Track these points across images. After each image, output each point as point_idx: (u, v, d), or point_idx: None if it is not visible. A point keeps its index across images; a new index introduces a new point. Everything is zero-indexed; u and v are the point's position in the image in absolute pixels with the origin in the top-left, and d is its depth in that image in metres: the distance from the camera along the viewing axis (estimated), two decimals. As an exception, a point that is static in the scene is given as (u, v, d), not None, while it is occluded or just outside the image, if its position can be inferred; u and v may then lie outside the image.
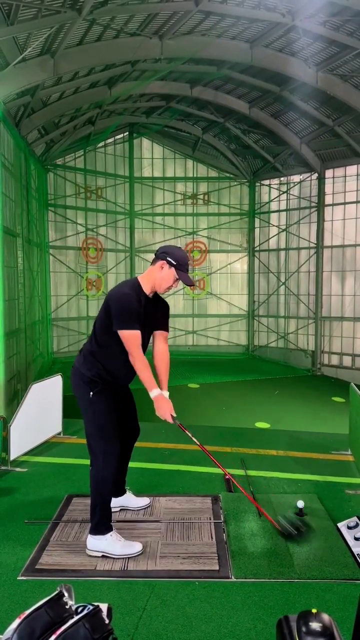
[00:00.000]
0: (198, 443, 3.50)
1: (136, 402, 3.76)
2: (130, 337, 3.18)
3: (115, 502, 3.79)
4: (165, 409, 3.27)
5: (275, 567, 3.14)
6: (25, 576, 3.03)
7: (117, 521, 3.65)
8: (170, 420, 3.28)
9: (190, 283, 3.41)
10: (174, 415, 3.30)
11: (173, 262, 3.29)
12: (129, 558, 3.20)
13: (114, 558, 3.19)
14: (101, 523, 3.26)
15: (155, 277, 3.32)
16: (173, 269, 3.30)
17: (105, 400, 3.34)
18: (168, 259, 3.30)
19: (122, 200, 18.64)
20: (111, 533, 3.27)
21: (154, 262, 3.37)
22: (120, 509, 3.84)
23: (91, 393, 3.31)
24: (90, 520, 3.30)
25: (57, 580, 2.89)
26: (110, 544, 3.22)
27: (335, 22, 10.01)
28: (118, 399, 3.48)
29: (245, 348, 19.50)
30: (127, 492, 3.91)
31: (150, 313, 3.36)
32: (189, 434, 3.44)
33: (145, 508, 3.90)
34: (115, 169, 18.46)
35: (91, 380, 3.32)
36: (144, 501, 3.93)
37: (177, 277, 3.31)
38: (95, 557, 3.21)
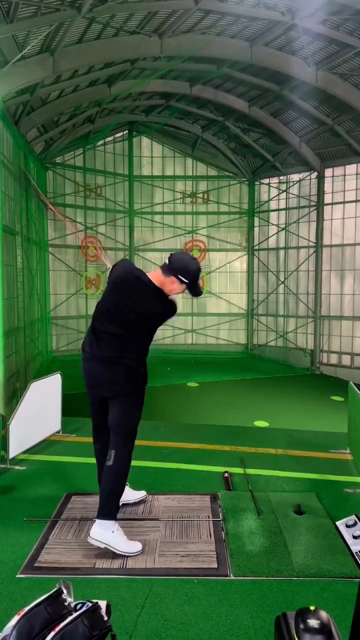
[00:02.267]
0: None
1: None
2: None
3: None
4: None
5: (274, 565, 3.14)
6: (24, 574, 3.04)
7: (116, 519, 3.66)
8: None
9: (199, 294, 3.37)
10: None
11: (185, 280, 3.21)
12: (127, 556, 3.21)
13: (115, 553, 3.19)
14: (115, 509, 3.28)
15: (163, 284, 3.25)
16: (184, 285, 3.24)
17: (143, 394, 3.45)
18: (179, 277, 3.19)
19: (122, 198, 18.64)
20: (118, 527, 3.25)
21: (164, 270, 3.24)
22: (121, 505, 3.84)
23: (136, 384, 3.35)
24: (104, 507, 3.24)
25: (56, 577, 2.88)
26: (115, 538, 3.21)
27: (335, 20, 10.00)
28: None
29: (245, 347, 19.51)
30: (126, 487, 3.90)
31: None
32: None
33: (143, 503, 3.92)
34: (115, 168, 18.45)
35: (137, 370, 3.35)
36: (141, 493, 3.96)
37: (186, 290, 3.29)
38: (97, 547, 3.19)
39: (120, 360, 3.28)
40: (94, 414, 3.53)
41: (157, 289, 3.25)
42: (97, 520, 3.23)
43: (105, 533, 3.20)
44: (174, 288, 3.26)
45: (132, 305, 3.23)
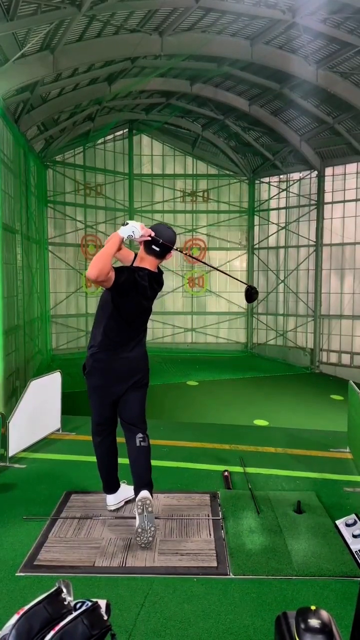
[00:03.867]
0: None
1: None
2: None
3: (118, 497, 3.78)
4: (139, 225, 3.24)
5: (274, 564, 3.14)
6: (24, 572, 3.03)
7: (116, 517, 3.66)
8: (152, 233, 3.30)
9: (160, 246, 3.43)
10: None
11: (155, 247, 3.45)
12: (127, 554, 3.21)
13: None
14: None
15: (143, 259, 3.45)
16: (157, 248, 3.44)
17: None
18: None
19: (122, 197, 18.62)
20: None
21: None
22: (124, 502, 3.84)
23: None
24: (149, 480, 3.49)
25: (56, 576, 2.89)
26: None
27: (336, 19, 9.99)
28: None
29: (244, 346, 19.51)
30: (123, 484, 3.88)
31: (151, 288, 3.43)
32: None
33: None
34: (115, 166, 18.44)
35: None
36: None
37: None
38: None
39: (144, 348, 3.63)
40: (108, 412, 3.61)
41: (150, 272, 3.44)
42: (146, 491, 3.41)
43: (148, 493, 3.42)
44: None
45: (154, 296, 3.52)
